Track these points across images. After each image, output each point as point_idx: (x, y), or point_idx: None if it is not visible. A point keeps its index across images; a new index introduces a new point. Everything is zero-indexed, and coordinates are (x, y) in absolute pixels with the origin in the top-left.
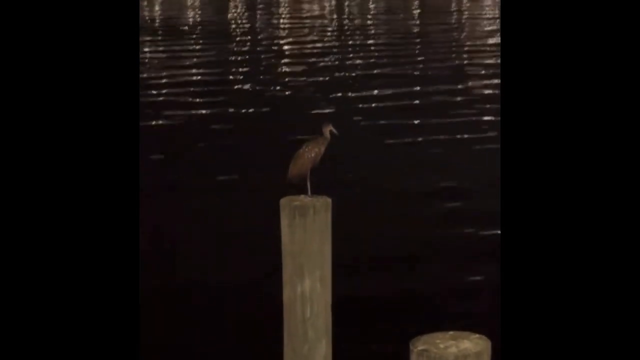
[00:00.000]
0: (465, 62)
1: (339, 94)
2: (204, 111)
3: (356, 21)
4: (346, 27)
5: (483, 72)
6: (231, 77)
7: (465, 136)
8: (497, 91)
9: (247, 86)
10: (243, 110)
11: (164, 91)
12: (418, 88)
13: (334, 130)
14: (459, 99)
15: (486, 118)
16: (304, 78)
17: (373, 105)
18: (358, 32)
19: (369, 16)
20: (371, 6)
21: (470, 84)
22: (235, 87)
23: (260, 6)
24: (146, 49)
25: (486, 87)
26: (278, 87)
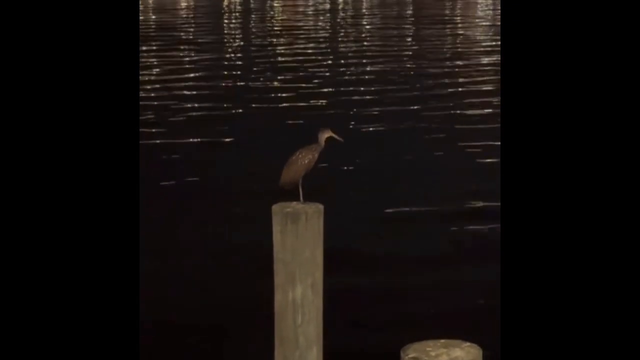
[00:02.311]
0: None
1: (334, 96)
2: (196, 113)
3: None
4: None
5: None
6: (223, 79)
7: (465, 143)
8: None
9: (240, 87)
10: (234, 111)
11: (157, 94)
12: (417, 93)
13: (335, 136)
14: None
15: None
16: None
17: (367, 106)
18: (353, 33)
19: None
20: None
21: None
22: (227, 88)
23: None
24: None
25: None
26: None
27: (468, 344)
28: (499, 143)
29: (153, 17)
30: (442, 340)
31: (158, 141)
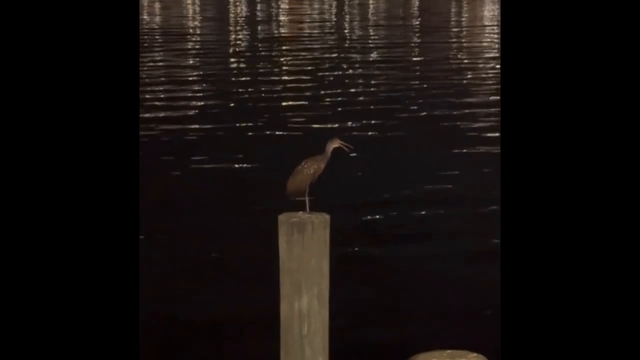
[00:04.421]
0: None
1: (339, 107)
2: (197, 125)
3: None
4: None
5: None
6: (228, 88)
7: (465, 150)
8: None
9: (245, 96)
10: (243, 124)
11: (161, 103)
12: (416, 97)
13: (344, 145)
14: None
15: (487, 124)
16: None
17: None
18: (357, 36)
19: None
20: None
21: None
22: (232, 96)
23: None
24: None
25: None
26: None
27: (475, 354)
28: (499, 150)
29: (158, 22)
30: (449, 351)
31: (159, 148)
